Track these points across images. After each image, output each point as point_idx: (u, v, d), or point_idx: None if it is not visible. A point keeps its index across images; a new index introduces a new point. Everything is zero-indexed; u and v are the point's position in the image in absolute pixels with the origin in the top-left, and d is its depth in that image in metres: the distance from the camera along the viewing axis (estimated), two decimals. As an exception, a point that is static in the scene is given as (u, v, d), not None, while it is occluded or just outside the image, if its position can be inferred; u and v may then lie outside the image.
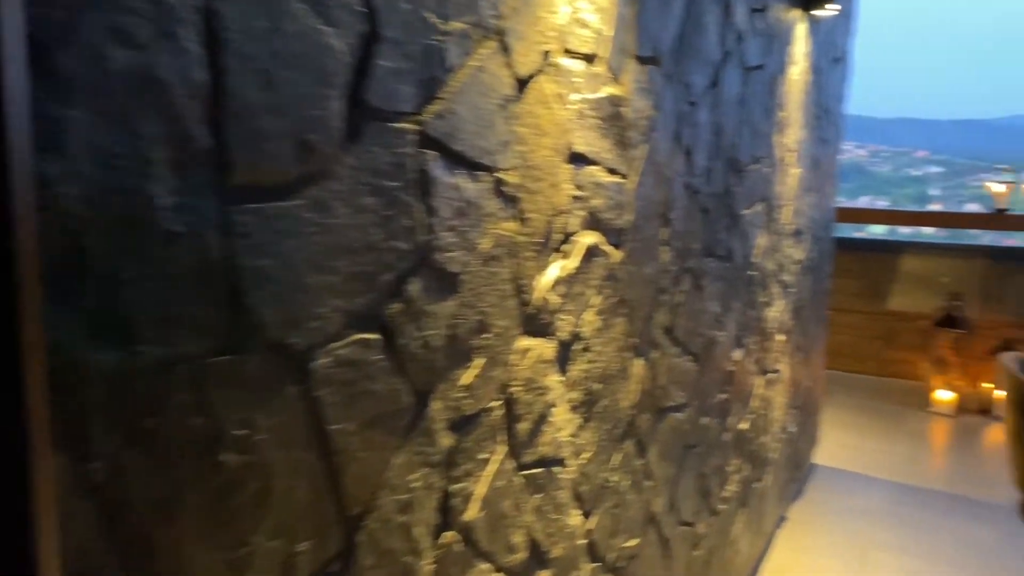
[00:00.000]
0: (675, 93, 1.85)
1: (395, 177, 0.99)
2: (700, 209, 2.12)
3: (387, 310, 1.00)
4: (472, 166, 1.14)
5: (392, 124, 0.98)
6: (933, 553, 3.33)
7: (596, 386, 1.59)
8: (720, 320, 2.38)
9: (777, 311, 3.06)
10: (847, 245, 5.90)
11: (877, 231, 7.50)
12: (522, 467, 1.36)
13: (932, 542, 3.43)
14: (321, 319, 0.90)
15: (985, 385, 5.24)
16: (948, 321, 5.19)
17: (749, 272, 2.65)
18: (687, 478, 2.20)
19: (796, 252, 3.28)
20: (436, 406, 1.11)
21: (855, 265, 5.71)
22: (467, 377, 1.18)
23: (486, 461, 1.25)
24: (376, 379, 0.99)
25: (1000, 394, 4.86)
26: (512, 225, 1.26)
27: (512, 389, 1.31)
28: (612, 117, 1.55)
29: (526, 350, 1.34)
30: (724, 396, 2.48)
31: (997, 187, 5.21)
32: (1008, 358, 2.68)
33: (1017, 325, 5.22)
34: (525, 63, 1.25)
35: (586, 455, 1.58)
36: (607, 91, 1.52)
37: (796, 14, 2.88)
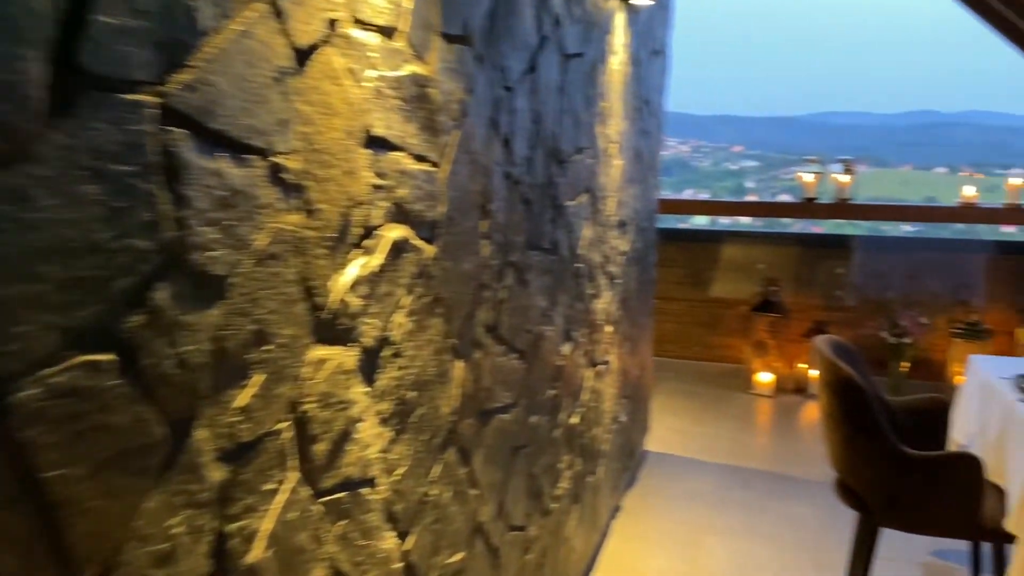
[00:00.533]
0: (489, 77, 1.74)
1: (128, 160, 0.80)
2: (522, 200, 2.03)
3: (125, 324, 0.81)
4: (238, 148, 0.96)
5: (121, 95, 0.79)
6: (759, 533, 3.44)
7: (410, 394, 1.46)
8: (547, 315, 2.31)
9: (605, 303, 3.04)
10: (672, 236, 6.07)
11: (700, 222, 7.80)
12: (321, 493, 1.20)
13: (758, 522, 3.54)
14: (24, 340, 0.71)
15: (800, 365, 5.54)
16: (765, 306, 5.44)
17: (576, 264, 2.60)
18: (516, 481, 2.10)
19: (621, 243, 3.27)
20: (201, 435, 0.94)
21: (679, 255, 5.88)
22: (243, 398, 1.00)
23: (273, 492, 1.09)
24: (113, 409, 0.81)
25: (814, 374, 5.14)
26: (297, 218, 1.09)
27: (304, 407, 1.14)
28: (417, 99, 1.41)
29: (321, 361, 1.18)
30: (553, 392, 2.41)
31: (807, 177, 5.51)
32: (820, 340, 2.77)
33: (827, 308, 5.55)
34: (305, 31, 1.08)
35: (400, 471, 1.44)
36: (410, 69, 1.38)
37: (614, 3, 2.86)
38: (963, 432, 2.99)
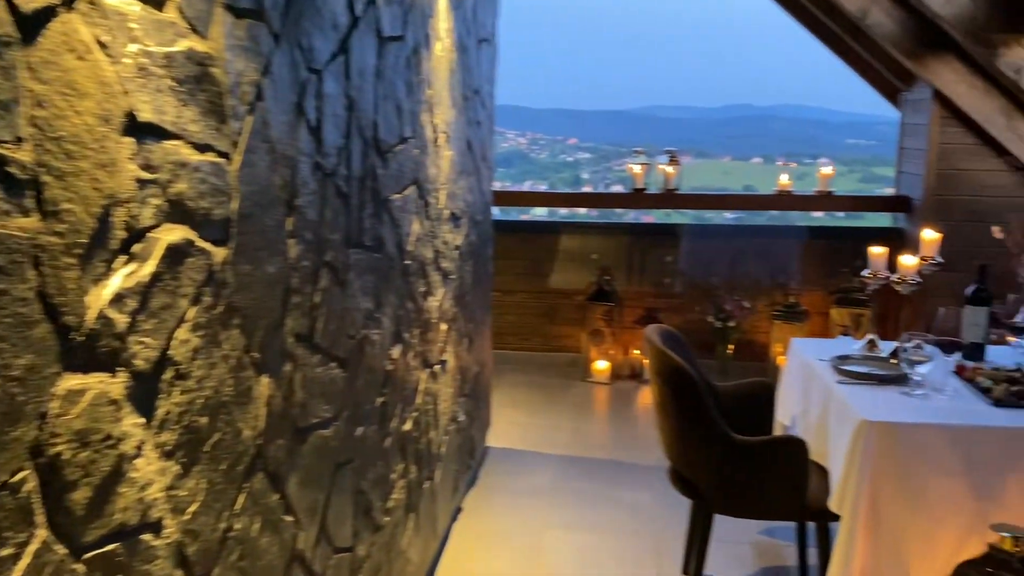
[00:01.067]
0: (291, 57, 1.57)
1: None
2: (337, 194, 1.86)
3: None
4: (-70, 135, 0.76)
5: None
6: (599, 524, 3.44)
7: (201, 420, 1.27)
8: (373, 317, 2.15)
9: (438, 300, 2.92)
10: (511, 228, 6.04)
11: (540, 213, 7.84)
12: (84, 549, 1.00)
13: (598, 513, 3.54)
14: None
15: (635, 352, 5.66)
16: (600, 295, 5.51)
17: (404, 262, 2.46)
18: (341, 500, 1.94)
19: (454, 237, 3.16)
20: None
21: (518, 246, 5.85)
22: (-47, 450, 0.80)
23: (14, 558, 0.88)
24: None
25: (648, 361, 5.26)
26: (31, 222, 0.89)
27: (54, 449, 0.94)
28: (197, 79, 1.22)
29: (76, 392, 0.98)
30: (382, 399, 2.26)
31: (636, 168, 5.62)
32: (650, 330, 2.77)
33: (658, 295, 5.69)
34: (32, -9, 0.88)
35: (193, 508, 1.25)
36: (185, 45, 1.19)
37: (437, -14, 2.73)
38: (787, 414, 3.10)
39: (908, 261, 2.86)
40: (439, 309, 2.93)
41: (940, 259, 2.96)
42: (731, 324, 5.32)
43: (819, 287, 5.53)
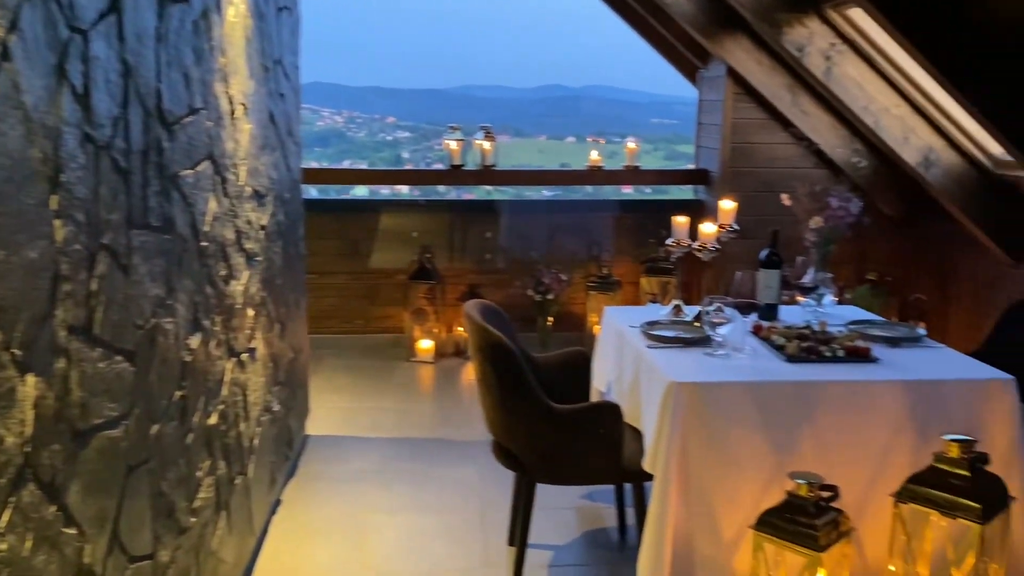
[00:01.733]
0: (46, 13, 1.38)
1: None
2: (115, 169, 1.68)
3: None
4: None
5: None
6: (427, 503, 3.40)
7: (-55, 429, 1.09)
8: (165, 304, 1.98)
9: (243, 284, 2.75)
10: (326, 207, 5.85)
11: (360, 193, 7.64)
12: None
13: (424, 493, 3.50)
14: None
15: (459, 329, 5.65)
16: (421, 273, 5.45)
17: (201, 243, 2.28)
18: (136, 504, 1.78)
19: (259, 217, 2.99)
20: None
21: (336, 226, 5.68)
22: None
23: None
24: None
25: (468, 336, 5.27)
26: None
27: None
28: (-84, 31, 1.04)
29: None
30: (181, 393, 2.09)
31: (452, 144, 5.58)
32: (470, 305, 2.74)
33: (479, 271, 5.70)
34: None
35: (-60, 531, 1.08)
36: None
37: (227, -54, 2.53)
38: (603, 380, 3.18)
39: (708, 229, 3.00)
40: (244, 294, 2.76)
41: (736, 227, 3.14)
42: (550, 297, 5.42)
43: (630, 258, 5.75)
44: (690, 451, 2.38)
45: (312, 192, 6.72)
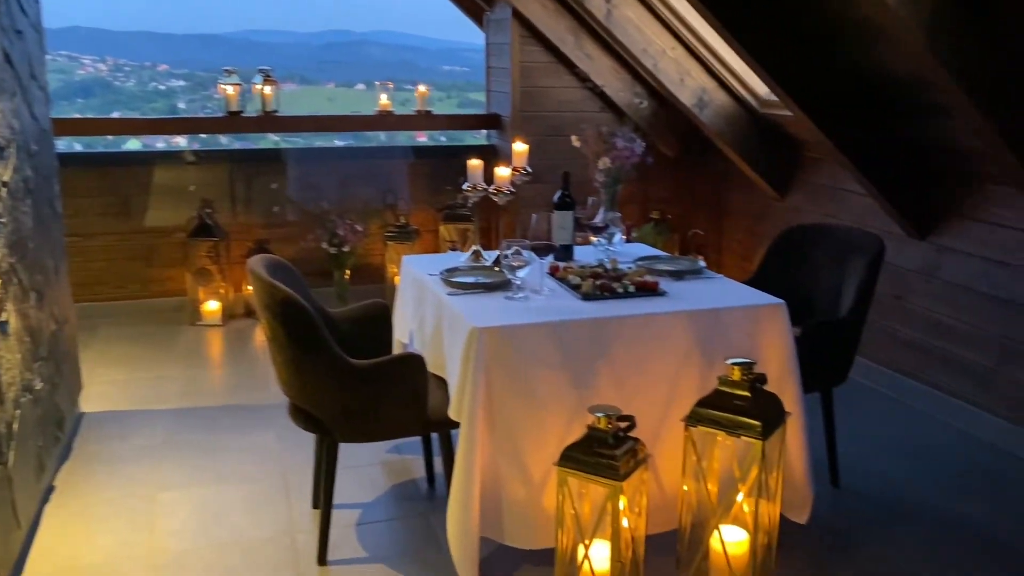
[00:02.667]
0: None
1: None
2: None
3: None
4: None
5: None
6: (221, 475, 3.20)
7: None
8: None
9: (-17, 249, 2.39)
10: (91, 161, 5.27)
11: (134, 147, 6.98)
12: None
13: (220, 463, 3.29)
14: None
15: (248, 288, 5.34)
16: (203, 230, 5.08)
17: (-80, 203, 1.93)
18: None
19: (1, 173, 2.60)
20: None
21: (103, 183, 5.15)
22: None
23: None
24: None
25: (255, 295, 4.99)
26: None
27: None
28: None
29: None
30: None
31: (229, 90, 5.19)
32: (254, 261, 2.56)
33: (267, 225, 5.40)
34: None
35: None
36: None
37: None
38: (404, 331, 3.11)
39: (502, 172, 2.98)
40: (-13, 260, 2.41)
41: (529, 169, 3.13)
42: (345, 249, 5.24)
43: (427, 206, 5.67)
44: (495, 395, 2.37)
45: (74, 147, 6.05)
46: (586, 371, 2.45)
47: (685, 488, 2.42)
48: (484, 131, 5.93)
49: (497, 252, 3.07)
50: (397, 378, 2.48)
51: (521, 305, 2.57)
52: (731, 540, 2.37)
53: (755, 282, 3.19)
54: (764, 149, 4.74)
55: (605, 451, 2.19)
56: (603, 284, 2.67)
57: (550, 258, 2.75)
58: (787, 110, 4.05)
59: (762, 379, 2.35)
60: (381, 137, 6.62)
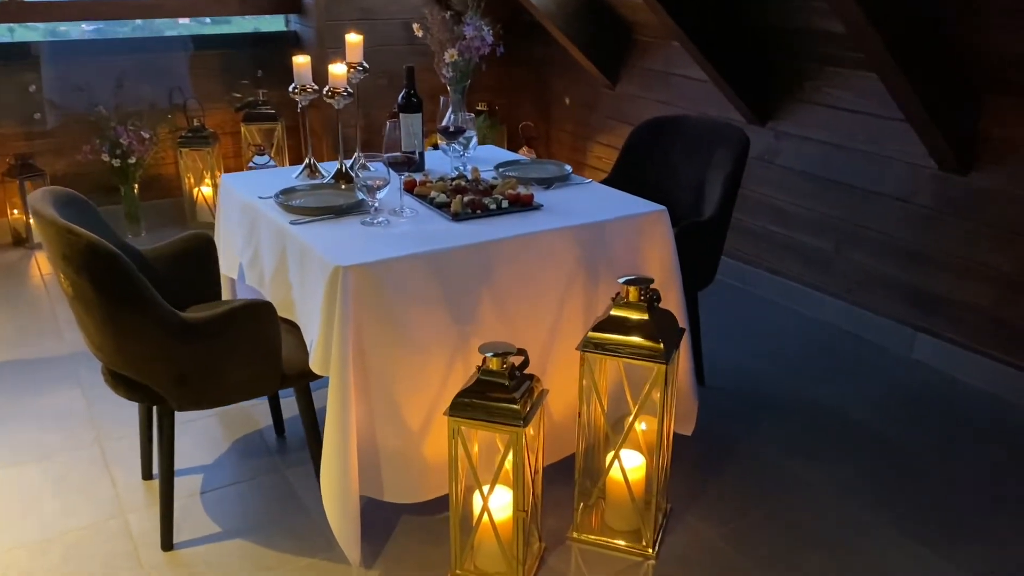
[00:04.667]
0: None
1: None
2: None
3: None
4: None
5: None
6: (17, 450, 2.65)
7: None
8: None
9: None
10: None
11: None
12: None
13: (12, 435, 2.72)
14: None
15: (14, 213, 4.50)
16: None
17: None
18: None
19: None
20: None
21: None
22: None
23: None
24: None
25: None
26: None
27: None
28: None
29: None
30: None
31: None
32: (39, 198, 2.01)
33: (27, 137, 4.52)
34: None
35: None
36: None
37: None
38: (232, 266, 2.65)
39: (337, 70, 2.52)
40: None
41: (366, 65, 2.69)
42: (132, 161, 4.50)
43: (223, 104, 4.98)
44: (366, 342, 2.03)
45: None
46: (467, 304, 2.16)
47: (581, 416, 2.24)
48: (283, 16, 5.24)
49: (336, 165, 2.65)
50: (244, 332, 2.07)
51: (383, 232, 2.21)
52: (630, 466, 2.24)
53: (613, 182, 3.00)
54: (595, 34, 4.50)
55: (502, 395, 1.94)
56: (473, 201, 2.35)
57: (405, 173, 2.38)
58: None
59: (657, 296, 2.18)
60: (158, 26, 5.68)
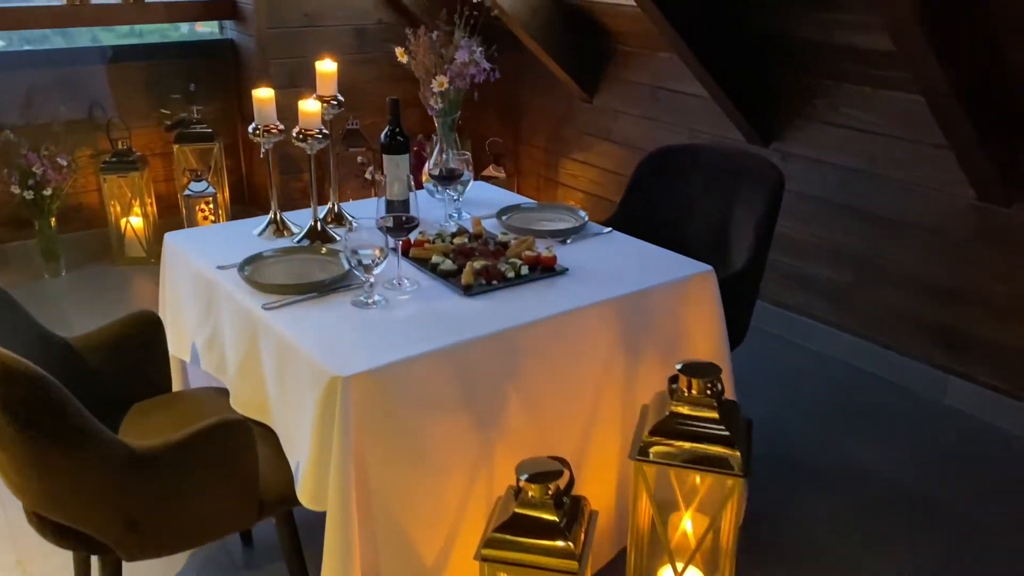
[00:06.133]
0: None
1: None
2: None
3: None
4: None
5: None
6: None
7: None
8: None
9: None
10: None
11: None
12: None
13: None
14: None
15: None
16: None
17: None
18: None
19: None
20: None
21: None
22: None
23: None
24: None
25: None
26: None
27: None
28: None
29: None
30: None
31: None
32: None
33: (-79, 166, 3.89)
34: None
35: None
36: None
37: None
38: (183, 345, 2.17)
39: (310, 107, 2.05)
40: None
41: (341, 98, 2.24)
42: (47, 192, 3.92)
43: (151, 122, 4.42)
44: (371, 467, 1.59)
45: None
46: (489, 404, 1.74)
47: (632, 531, 1.85)
48: (217, 22, 4.70)
49: (311, 217, 2.19)
50: (213, 458, 1.61)
51: (382, 317, 1.77)
52: (689, 584, 1.86)
53: (618, 221, 2.61)
54: (571, 42, 4.10)
55: (549, 532, 1.53)
56: (487, 269, 1.93)
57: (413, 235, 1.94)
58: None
59: (722, 386, 1.79)
60: (72, 35, 5.05)
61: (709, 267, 2.05)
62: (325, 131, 2.10)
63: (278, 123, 2.12)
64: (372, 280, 1.80)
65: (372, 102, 4.51)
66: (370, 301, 1.81)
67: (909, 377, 3.13)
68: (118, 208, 4.24)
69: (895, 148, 3.02)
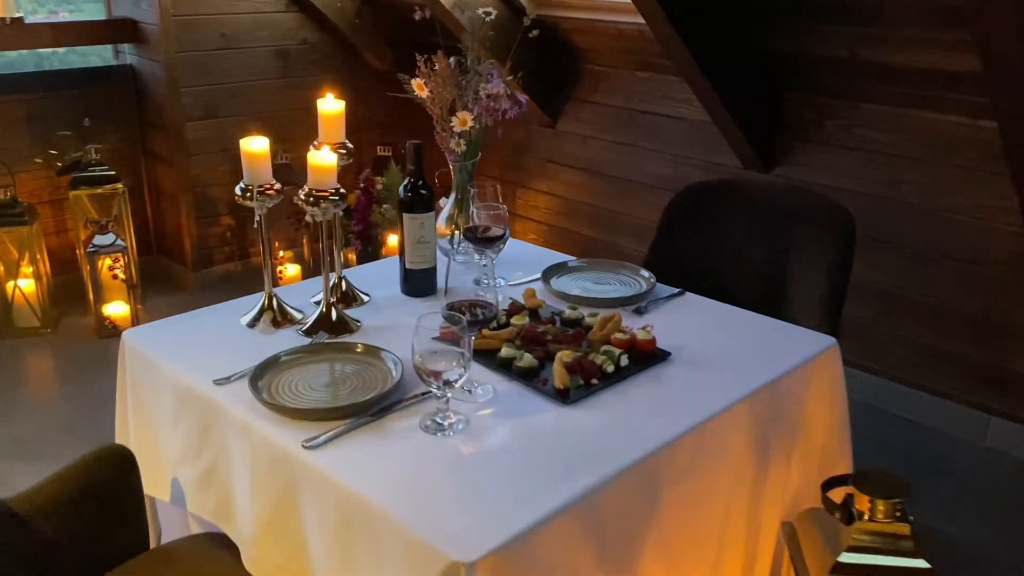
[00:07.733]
0: None
1: None
2: None
3: None
4: None
5: None
6: None
7: None
8: None
9: None
10: None
11: None
12: None
13: None
14: None
15: None
16: None
17: None
18: None
19: None
20: None
21: None
22: None
23: None
24: None
25: None
26: None
27: None
28: None
29: None
30: None
31: None
32: None
33: None
34: None
35: None
36: None
37: None
38: (162, 484, 1.62)
39: (325, 159, 1.55)
40: None
41: (349, 145, 1.76)
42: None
43: (37, 165, 3.73)
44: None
45: None
46: (623, 555, 1.31)
47: None
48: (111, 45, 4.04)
49: (316, 287, 1.69)
50: None
51: (468, 446, 1.31)
52: None
53: (652, 268, 2.21)
54: (536, 62, 3.70)
55: None
56: (581, 362, 1.49)
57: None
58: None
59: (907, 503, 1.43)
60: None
61: (832, 339, 1.69)
62: (342, 189, 1.61)
63: (273, 181, 1.62)
64: (449, 395, 1.34)
65: (300, 133, 3.98)
66: (446, 425, 1.34)
67: (942, 419, 2.89)
68: (2, 270, 3.53)
69: (923, 172, 2.78)
